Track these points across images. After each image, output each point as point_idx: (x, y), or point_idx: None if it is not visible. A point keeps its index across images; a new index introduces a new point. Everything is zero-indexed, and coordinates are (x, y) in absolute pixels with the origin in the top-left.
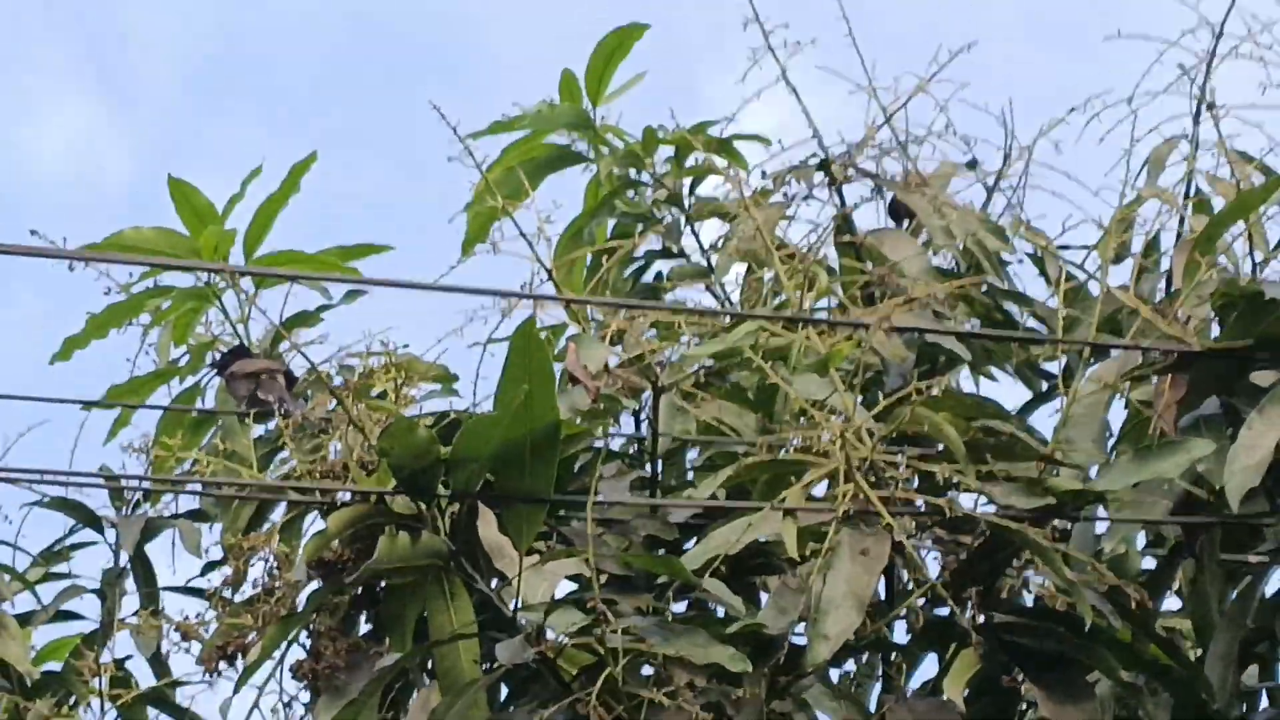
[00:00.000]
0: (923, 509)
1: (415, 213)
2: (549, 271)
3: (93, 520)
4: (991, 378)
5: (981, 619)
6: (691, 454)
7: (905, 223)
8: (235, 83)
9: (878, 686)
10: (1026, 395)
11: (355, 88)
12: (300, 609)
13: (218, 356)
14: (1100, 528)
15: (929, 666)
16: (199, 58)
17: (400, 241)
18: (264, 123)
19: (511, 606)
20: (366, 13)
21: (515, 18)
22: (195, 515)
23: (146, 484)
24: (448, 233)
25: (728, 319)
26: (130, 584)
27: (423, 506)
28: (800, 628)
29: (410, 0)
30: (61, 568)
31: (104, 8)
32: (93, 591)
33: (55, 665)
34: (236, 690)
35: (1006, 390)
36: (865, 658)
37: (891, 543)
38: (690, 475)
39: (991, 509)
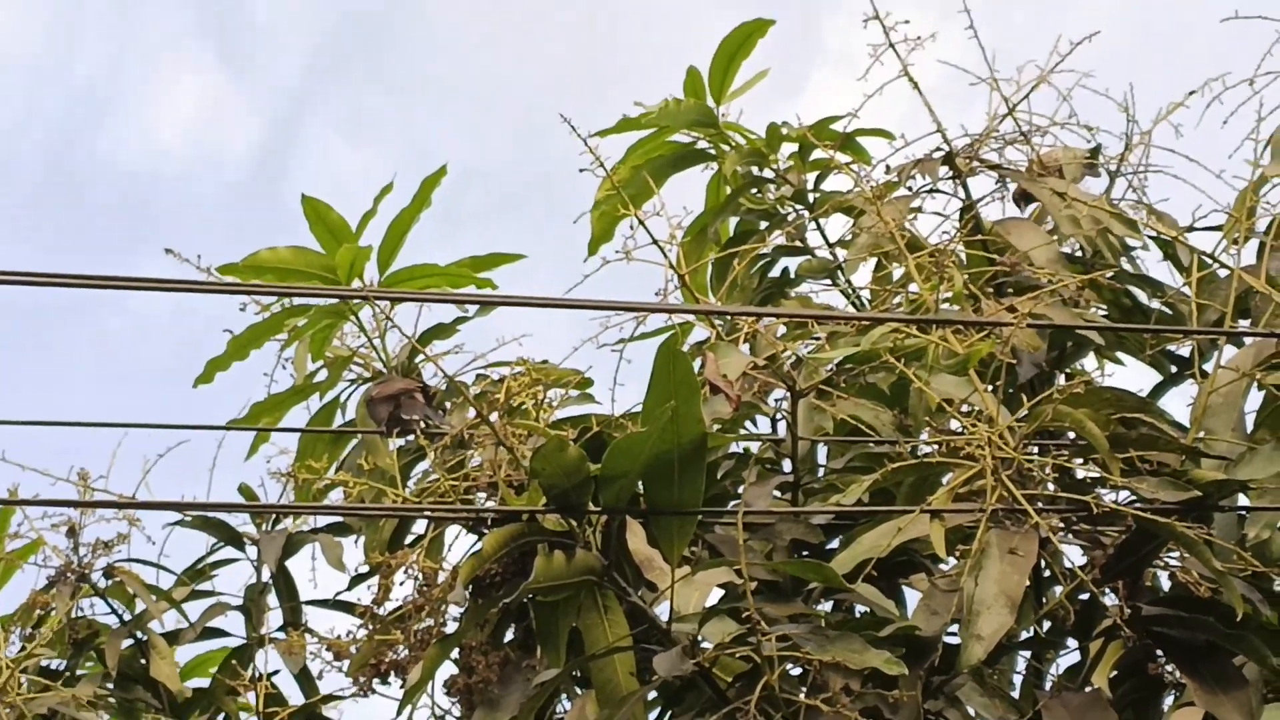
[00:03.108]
0: (1066, 507)
1: (539, 193)
2: (682, 278)
3: (234, 538)
4: (1119, 362)
5: (1128, 611)
6: (821, 451)
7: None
8: (356, 53)
9: (1018, 679)
10: (1153, 377)
11: (477, 61)
12: (451, 625)
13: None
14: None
15: (1069, 654)
16: (320, 27)
17: (526, 243)
18: (385, 93)
19: (664, 617)
20: None
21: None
22: (336, 529)
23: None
24: (570, 219)
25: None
26: (273, 599)
27: (574, 523)
28: (952, 628)
29: None
30: (205, 585)
31: None
32: (236, 608)
33: (199, 682)
34: (399, 712)
35: (1133, 373)
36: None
37: (1038, 540)
38: (821, 473)
39: (1126, 498)
